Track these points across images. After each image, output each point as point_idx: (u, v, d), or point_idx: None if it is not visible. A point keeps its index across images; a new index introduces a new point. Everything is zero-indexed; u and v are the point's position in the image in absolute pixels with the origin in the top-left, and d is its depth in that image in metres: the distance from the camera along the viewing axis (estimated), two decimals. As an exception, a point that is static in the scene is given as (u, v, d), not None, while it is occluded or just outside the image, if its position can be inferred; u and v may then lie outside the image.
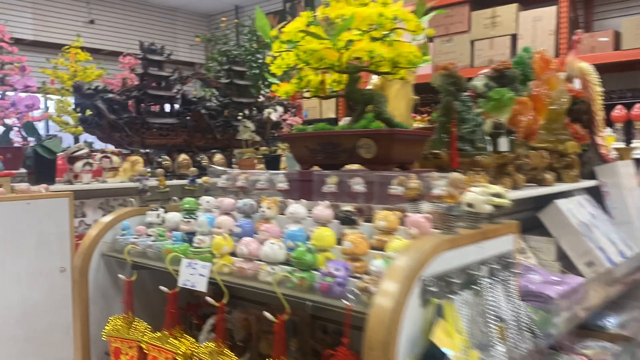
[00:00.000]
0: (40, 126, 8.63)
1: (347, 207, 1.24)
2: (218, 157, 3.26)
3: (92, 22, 8.98)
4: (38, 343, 2.31)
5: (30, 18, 8.48)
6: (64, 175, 2.74)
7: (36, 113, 7.55)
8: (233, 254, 1.32)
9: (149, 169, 3.04)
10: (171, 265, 1.35)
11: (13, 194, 2.37)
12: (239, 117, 3.43)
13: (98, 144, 6.13)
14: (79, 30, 8.84)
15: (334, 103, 7.82)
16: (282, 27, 1.60)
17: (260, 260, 1.23)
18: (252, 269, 1.21)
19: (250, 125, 3.39)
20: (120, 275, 1.50)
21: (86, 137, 8.57)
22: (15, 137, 7.05)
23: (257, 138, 3.46)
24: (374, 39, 1.46)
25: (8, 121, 6.69)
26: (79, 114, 3.02)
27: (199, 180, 1.93)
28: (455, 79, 1.77)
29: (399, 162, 1.49)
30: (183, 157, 3.09)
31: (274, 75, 1.67)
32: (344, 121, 1.96)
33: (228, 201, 1.49)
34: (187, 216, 1.50)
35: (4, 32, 6.82)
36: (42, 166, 2.60)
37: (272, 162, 3.55)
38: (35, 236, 2.29)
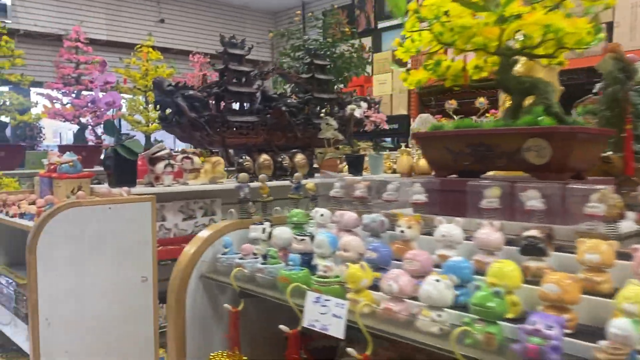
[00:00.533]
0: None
1: (531, 230, 0.92)
2: (299, 157, 2.99)
3: (162, 21, 9.01)
4: (118, 358, 2.12)
5: (104, 19, 8.59)
6: (145, 177, 2.55)
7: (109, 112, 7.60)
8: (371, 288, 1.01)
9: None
10: (292, 298, 1.07)
11: (93, 197, 2.18)
12: (322, 114, 3.15)
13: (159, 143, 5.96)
14: (150, 30, 8.88)
15: (406, 98, 7.41)
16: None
17: (411, 299, 0.93)
18: (406, 313, 0.91)
19: (333, 122, 3.10)
20: (226, 306, 1.24)
21: (156, 136, 8.58)
22: (89, 136, 7.11)
23: (340, 137, 3.16)
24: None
25: (83, 120, 6.73)
26: (158, 112, 2.83)
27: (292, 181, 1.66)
28: (624, 65, 1.41)
29: (577, 169, 1.15)
30: (264, 157, 2.84)
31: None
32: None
33: (350, 215, 1.20)
34: (299, 233, 1.22)
35: (79, 32, 6.89)
36: (122, 167, 2.41)
37: (354, 163, 3.25)
38: (116, 243, 2.10)
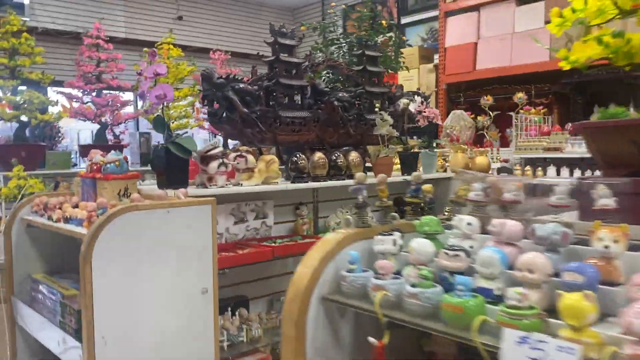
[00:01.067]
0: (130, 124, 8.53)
1: None
2: (354, 155, 2.77)
3: (180, 18, 8.81)
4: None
5: (122, 16, 8.40)
6: (195, 177, 2.34)
7: (129, 110, 7.38)
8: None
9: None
10: (478, 336, 0.83)
11: (149, 200, 1.98)
12: (376, 109, 2.92)
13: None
14: (168, 27, 8.68)
15: (434, 95, 7.17)
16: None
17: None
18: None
19: (389, 118, 2.88)
20: (371, 340, 1.01)
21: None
22: (107, 135, 6.88)
23: (395, 133, 2.94)
24: None
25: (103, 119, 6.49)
26: (205, 107, 2.61)
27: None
28: None
29: None
30: (319, 155, 2.62)
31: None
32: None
33: (513, 225, 0.97)
34: (452, 247, 0.99)
35: (100, 29, 6.69)
36: (174, 167, 2.20)
37: (409, 162, 3.03)
38: (174, 250, 1.89)
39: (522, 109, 5.17)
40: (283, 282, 2.72)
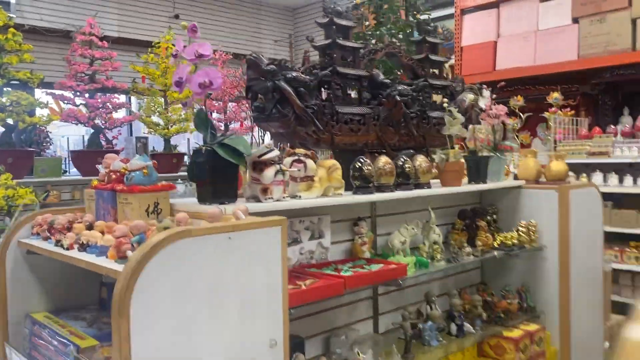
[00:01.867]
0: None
1: None
2: (421, 159, 2.28)
3: (176, 17, 8.27)
4: None
5: (115, 14, 7.83)
6: (243, 188, 1.83)
7: (124, 113, 6.79)
8: None
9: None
10: None
11: (202, 222, 1.46)
12: (445, 105, 2.44)
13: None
14: (163, 26, 8.13)
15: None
16: None
17: None
18: None
19: (459, 115, 2.40)
20: None
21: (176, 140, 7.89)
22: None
23: (466, 133, 2.47)
24: None
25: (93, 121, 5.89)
26: (249, 99, 2.10)
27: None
28: None
29: None
30: (384, 160, 2.13)
31: None
32: None
33: None
34: None
35: (94, 25, 6.11)
36: (222, 175, 1.69)
37: (477, 167, 2.55)
38: (237, 292, 1.38)
39: (560, 109, 4.77)
40: (338, 316, 2.22)
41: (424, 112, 2.44)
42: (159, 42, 6.52)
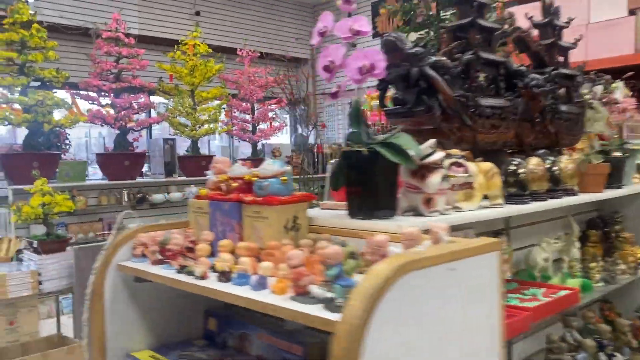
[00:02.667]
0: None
1: None
2: (565, 162, 1.94)
3: (197, 13, 7.90)
4: None
5: (136, 11, 7.46)
6: (399, 197, 1.47)
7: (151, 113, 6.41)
8: None
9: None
10: None
11: (428, 248, 1.10)
12: (586, 97, 2.10)
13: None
14: (185, 23, 7.77)
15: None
16: None
17: None
18: None
19: (603, 110, 2.06)
20: None
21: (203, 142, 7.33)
22: (110, 144, 5.90)
23: (608, 130, 2.13)
24: None
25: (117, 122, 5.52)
26: (382, 89, 1.74)
27: None
28: None
29: None
30: (536, 162, 1.79)
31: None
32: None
33: None
34: None
35: (120, 21, 5.75)
36: (382, 182, 1.34)
37: (618, 170, 2.21)
38: (457, 328, 1.03)
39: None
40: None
41: (557, 106, 2.10)
42: (184, 40, 6.16)
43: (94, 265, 1.47)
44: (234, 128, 6.58)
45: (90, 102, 5.77)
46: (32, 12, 5.02)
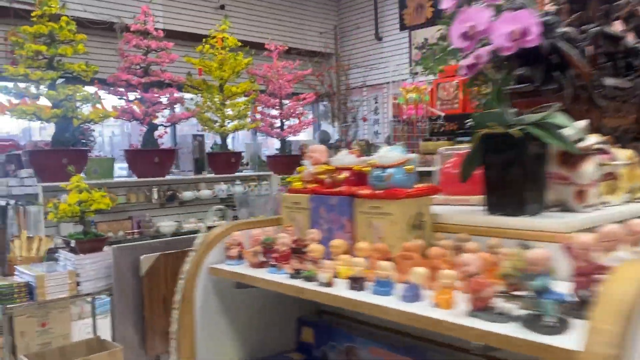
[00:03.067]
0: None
1: None
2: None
3: (222, 7, 7.70)
4: None
5: (160, 5, 7.27)
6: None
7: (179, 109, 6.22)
8: None
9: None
10: None
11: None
12: None
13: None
14: (209, 17, 7.58)
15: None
16: None
17: None
18: None
19: None
20: None
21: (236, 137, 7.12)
22: (135, 142, 5.71)
23: None
24: None
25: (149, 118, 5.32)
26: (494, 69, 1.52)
27: None
28: None
29: None
30: (668, 149, 1.56)
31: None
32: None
33: None
34: None
35: (148, 13, 5.56)
36: (531, 172, 1.12)
37: None
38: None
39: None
40: None
41: (671, 89, 1.86)
42: (213, 33, 5.96)
43: (183, 268, 1.26)
44: (261, 124, 6.38)
45: (118, 97, 5.59)
46: (61, 4, 4.84)
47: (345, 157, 1.29)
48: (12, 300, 2.98)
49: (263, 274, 1.16)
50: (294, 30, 8.53)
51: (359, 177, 1.26)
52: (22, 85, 4.60)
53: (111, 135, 8.11)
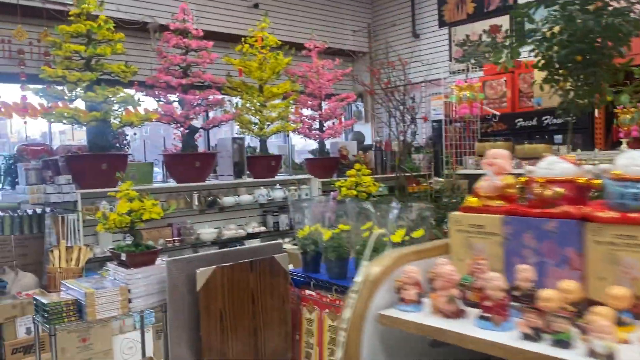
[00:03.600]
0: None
1: None
2: None
3: (256, 6, 7.41)
4: None
5: (193, 4, 6.98)
6: None
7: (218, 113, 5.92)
8: None
9: None
10: None
11: None
12: None
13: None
14: (242, 17, 7.29)
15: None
16: None
17: None
18: None
19: None
20: None
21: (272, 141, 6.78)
22: (169, 146, 5.42)
23: None
24: None
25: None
26: None
27: None
28: None
29: None
30: None
31: None
32: None
33: None
34: None
35: (188, 11, 5.27)
36: None
37: None
38: None
39: None
40: None
41: None
42: (252, 32, 5.66)
43: (343, 316, 0.94)
44: (301, 126, 6.06)
45: (156, 99, 5.31)
46: (99, 2, 4.58)
47: (556, 165, 0.95)
48: (60, 319, 2.68)
49: (472, 329, 0.82)
50: (327, 29, 8.21)
51: (579, 193, 0.92)
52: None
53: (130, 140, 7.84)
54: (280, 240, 3.75)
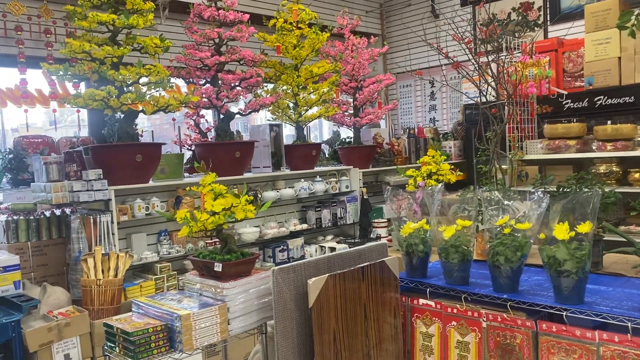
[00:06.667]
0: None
1: None
2: None
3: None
4: None
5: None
6: None
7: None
8: None
9: None
10: None
11: None
12: None
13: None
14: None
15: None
16: None
17: None
18: None
19: None
20: None
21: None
22: (192, 133, 4.71)
23: None
24: None
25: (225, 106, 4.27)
26: None
27: None
28: None
29: None
30: None
31: None
32: None
33: None
34: None
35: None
36: None
37: None
38: None
39: None
40: None
41: None
42: (286, 4, 5.00)
43: None
44: (339, 110, 5.47)
45: (186, 80, 4.61)
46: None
47: None
48: (149, 352, 2.03)
49: None
50: (336, 9, 7.60)
51: None
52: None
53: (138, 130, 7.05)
54: (384, 241, 3.18)
